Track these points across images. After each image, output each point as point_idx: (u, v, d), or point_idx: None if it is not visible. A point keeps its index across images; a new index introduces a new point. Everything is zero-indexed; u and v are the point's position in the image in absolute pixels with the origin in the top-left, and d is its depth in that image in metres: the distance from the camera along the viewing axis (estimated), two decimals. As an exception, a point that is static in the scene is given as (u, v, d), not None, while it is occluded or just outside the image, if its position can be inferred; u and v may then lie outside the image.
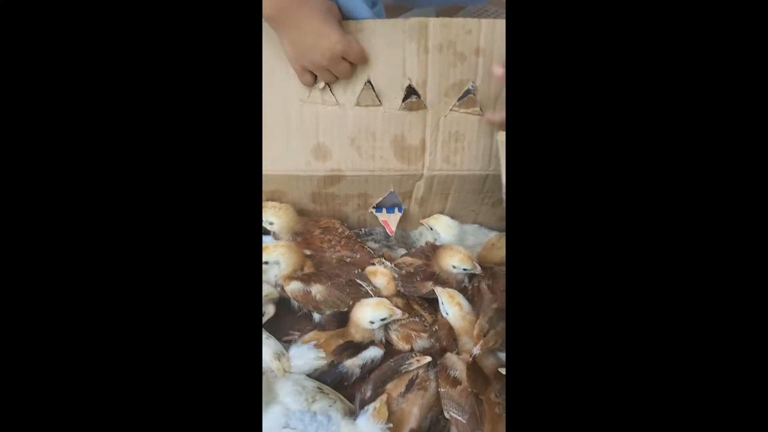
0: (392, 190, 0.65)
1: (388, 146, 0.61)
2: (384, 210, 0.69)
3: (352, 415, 0.52)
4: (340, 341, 0.59)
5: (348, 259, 0.65)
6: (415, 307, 0.63)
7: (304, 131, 0.60)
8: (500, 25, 0.58)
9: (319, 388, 0.54)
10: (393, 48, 0.58)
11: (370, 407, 0.51)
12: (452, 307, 0.60)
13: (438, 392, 0.55)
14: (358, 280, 0.61)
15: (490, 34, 0.58)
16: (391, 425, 0.50)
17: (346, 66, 0.55)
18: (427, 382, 0.56)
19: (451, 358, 0.58)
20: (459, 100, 0.60)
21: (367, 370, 0.58)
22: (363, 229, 0.72)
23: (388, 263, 0.64)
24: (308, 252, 0.64)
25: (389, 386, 0.55)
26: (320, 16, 0.52)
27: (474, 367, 0.56)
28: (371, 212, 0.69)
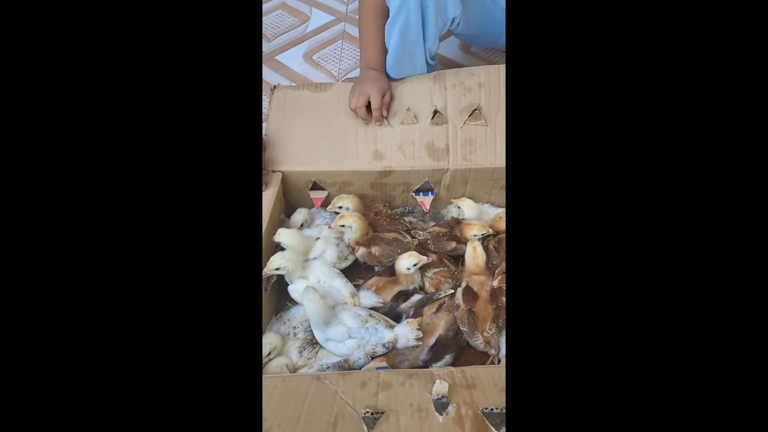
0: (427, 179, 0.93)
1: (423, 150, 0.90)
2: (421, 194, 0.98)
3: (393, 327, 0.80)
4: (394, 287, 0.87)
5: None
6: (444, 260, 0.91)
7: (367, 142, 0.90)
8: (494, 69, 0.87)
9: (370, 314, 0.81)
10: (424, 89, 0.88)
11: (406, 320, 0.80)
12: (469, 249, 0.87)
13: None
14: (401, 231, 0.91)
15: (487, 74, 0.88)
16: (420, 329, 0.79)
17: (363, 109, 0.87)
18: (451, 308, 0.84)
19: (457, 293, 0.84)
20: (469, 116, 0.87)
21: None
22: (407, 208, 1.01)
23: (421, 232, 0.91)
24: (368, 223, 0.94)
25: (425, 309, 0.84)
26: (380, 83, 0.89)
27: (467, 290, 0.83)
28: (412, 195, 0.98)
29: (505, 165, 0.89)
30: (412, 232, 0.92)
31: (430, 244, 0.91)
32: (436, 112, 0.88)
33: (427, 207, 0.97)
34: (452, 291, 0.85)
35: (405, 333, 0.79)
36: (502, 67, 0.89)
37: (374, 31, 0.87)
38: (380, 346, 0.80)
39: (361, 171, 0.91)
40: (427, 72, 0.92)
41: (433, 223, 0.97)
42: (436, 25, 0.84)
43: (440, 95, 0.90)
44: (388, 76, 0.92)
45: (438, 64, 0.97)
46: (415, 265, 0.84)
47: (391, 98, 0.89)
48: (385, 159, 0.90)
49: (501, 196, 0.97)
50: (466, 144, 0.89)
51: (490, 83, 0.89)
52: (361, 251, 0.90)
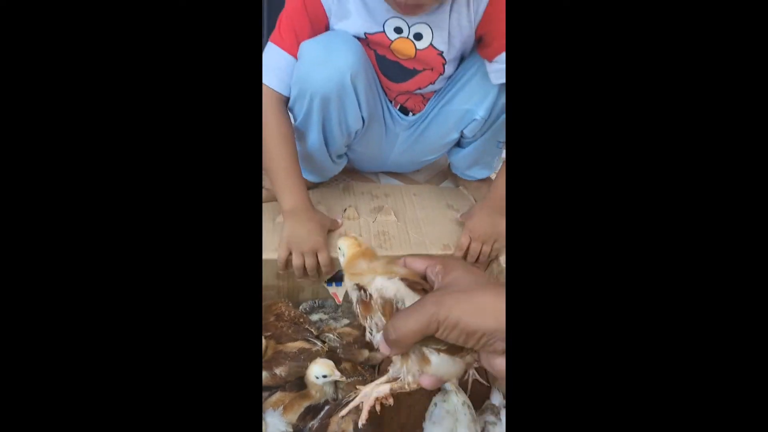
0: (340, 269, 0.88)
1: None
2: (333, 284, 0.91)
3: None
4: (303, 402, 0.74)
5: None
6: (359, 368, 0.82)
7: (273, 235, 0.85)
8: (397, 187, 1.01)
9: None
10: (333, 194, 0.94)
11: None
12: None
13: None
14: (309, 338, 0.81)
15: (391, 189, 1.00)
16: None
17: (313, 261, 0.79)
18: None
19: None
20: (379, 212, 0.89)
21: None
22: (317, 302, 0.93)
23: (330, 335, 0.82)
24: (268, 333, 0.82)
25: (332, 417, 0.72)
26: (319, 225, 0.81)
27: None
28: (323, 285, 0.91)
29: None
30: (322, 335, 0.83)
31: (339, 351, 0.82)
32: (348, 207, 0.91)
33: (340, 299, 0.90)
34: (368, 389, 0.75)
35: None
36: (404, 187, 1.04)
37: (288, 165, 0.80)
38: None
39: (267, 259, 0.83)
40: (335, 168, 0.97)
41: (347, 321, 0.89)
42: (340, 135, 0.83)
43: (350, 200, 0.96)
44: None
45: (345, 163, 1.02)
46: (325, 376, 0.74)
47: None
48: (294, 247, 0.84)
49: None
50: (380, 235, 0.88)
51: (394, 193, 1.00)
52: (263, 376, 0.78)
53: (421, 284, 0.42)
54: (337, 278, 0.91)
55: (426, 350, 0.41)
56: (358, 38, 0.76)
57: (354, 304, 0.45)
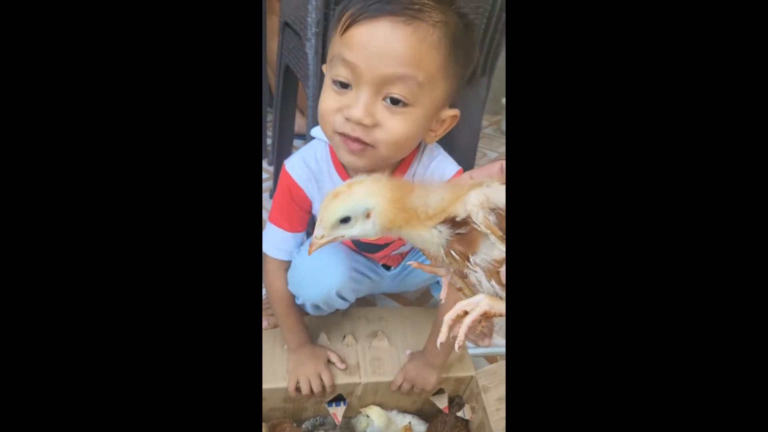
0: (340, 393, 0.99)
1: (335, 367, 0.98)
2: (333, 404, 1.02)
3: None
4: None
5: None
6: None
7: (283, 360, 0.96)
8: (394, 309, 1.04)
9: None
10: (335, 321, 1.01)
11: None
12: None
13: None
14: None
15: (387, 312, 1.03)
16: None
17: (318, 383, 0.93)
18: None
19: None
20: (374, 338, 1.00)
21: None
22: (318, 419, 1.03)
23: None
24: None
25: None
26: (320, 355, 0.95)
27: None
28: (324, 406, 1.01)
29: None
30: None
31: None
32: (346, 335, 1.02)
33: (339, 419, 1.00)
34: None
35: None
36: (397, 310, 1.12)
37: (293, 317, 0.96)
38: None
39: (277, 388, 0.94)
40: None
41: (343, 436, 1.00)
42: (329, 309, 1.01)
43: (348, 324, 1.08)
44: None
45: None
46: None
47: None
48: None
49: (408, 402, 1.06)
50: (374, 361, 0.99)
51: (388, 316, 1.11)
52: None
53: None
54: (337, 399, 1.01)
55: None
56: None
57: (442, 255, 0.35)
